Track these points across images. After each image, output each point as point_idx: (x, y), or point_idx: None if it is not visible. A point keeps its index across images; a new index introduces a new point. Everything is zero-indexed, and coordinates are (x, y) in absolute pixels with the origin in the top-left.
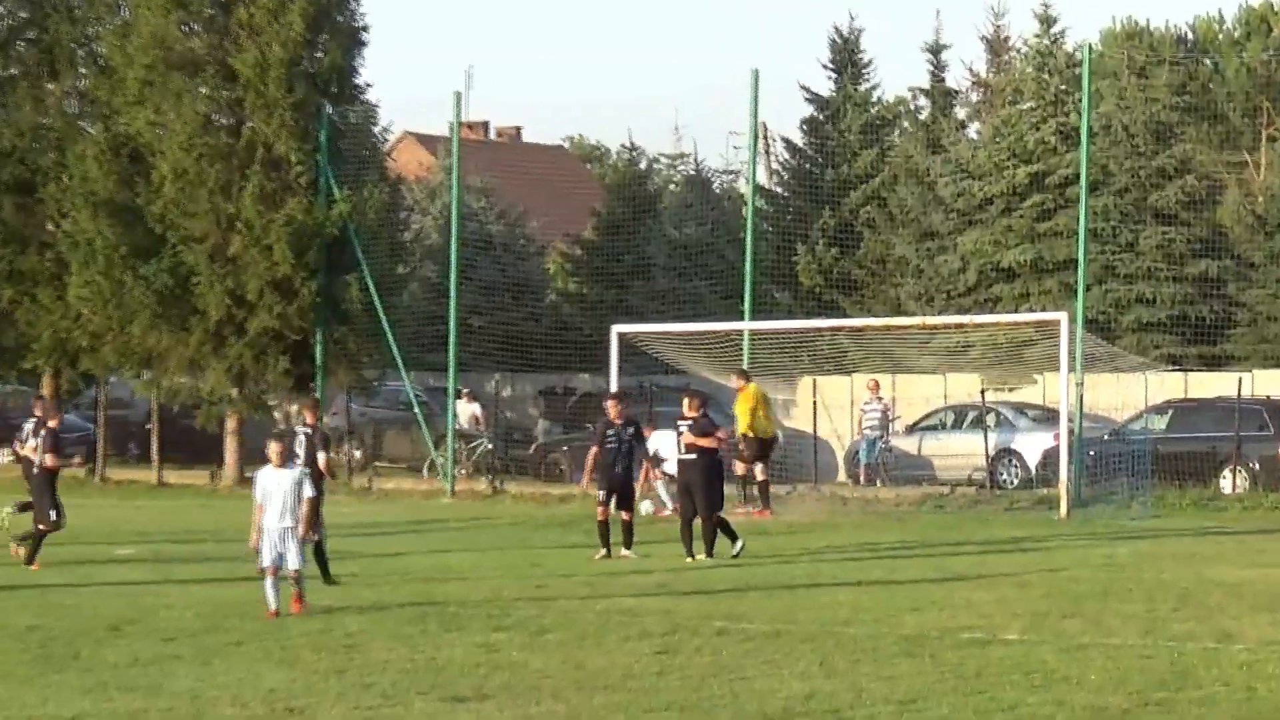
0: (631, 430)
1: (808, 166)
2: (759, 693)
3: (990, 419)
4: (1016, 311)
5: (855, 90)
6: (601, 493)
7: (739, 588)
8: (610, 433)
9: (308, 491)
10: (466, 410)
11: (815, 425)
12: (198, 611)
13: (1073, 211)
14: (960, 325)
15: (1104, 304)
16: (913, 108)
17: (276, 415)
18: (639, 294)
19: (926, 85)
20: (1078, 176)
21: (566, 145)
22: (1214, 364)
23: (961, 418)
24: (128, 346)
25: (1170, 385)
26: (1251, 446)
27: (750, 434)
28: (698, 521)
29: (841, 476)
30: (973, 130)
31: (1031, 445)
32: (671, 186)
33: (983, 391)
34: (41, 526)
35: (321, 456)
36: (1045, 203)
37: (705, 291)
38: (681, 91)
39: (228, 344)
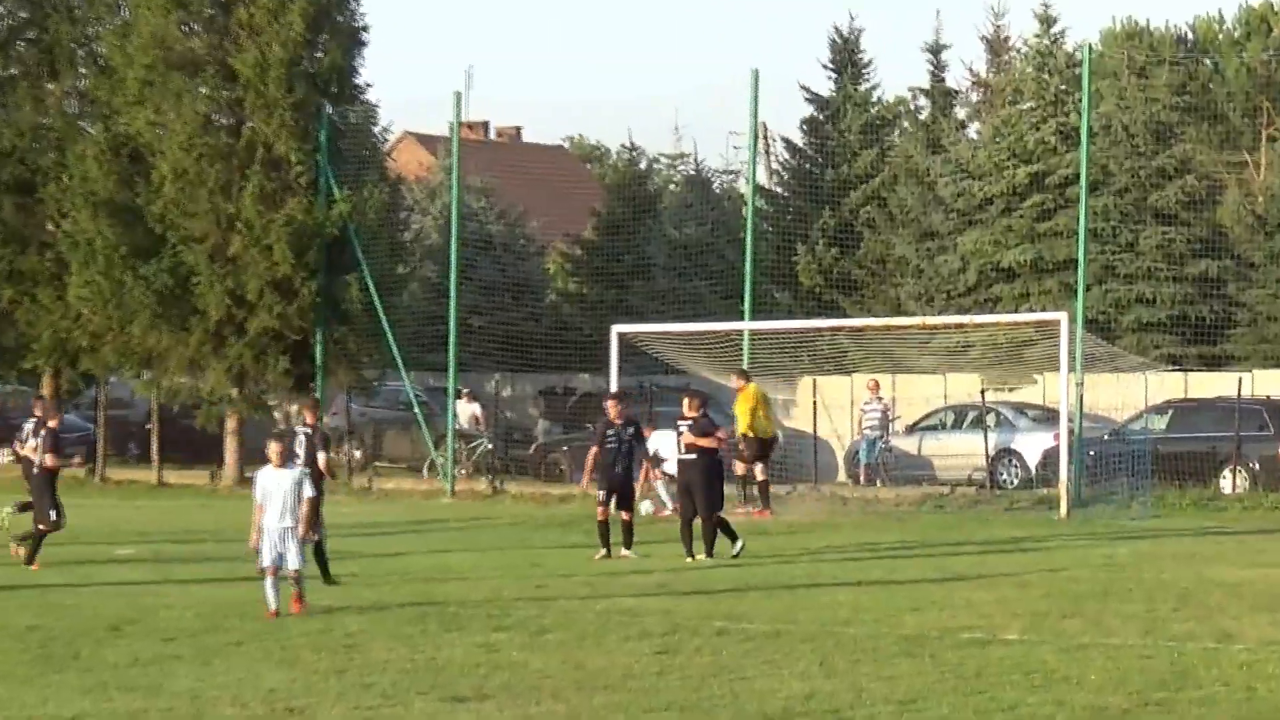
0: (631, 430)
1: (808, 166)
2: (759, 693)
3: (990, 419)
4: (1016, 311)
5: (855, 90)
6: (601, 493)
7: (739, 588)
8: (610, 433)
9: (308, 491)
10: (466, 410)
11: (815, 425)
12: (198, 611)
13: (1073, 211)
14: (960, 325)
15: (1104, 304)
16: (913, 108)
17: (276, 415)
18: (639, 294)
19: (926, 85)
20: (1078, 176)
21: (566, 145)
22: (1214, 364)
23: (961, 418)
24: (128, 346)
25: (1170, 385)
26: (1251, 446)
27: (750, 434)
28: (698, 521)
29: (841, 476)
30: (973, 130)
31: (1031, 445)
32: (671, 186)
33: (983, 391)
34: (41, 526)
35: (321, 456)
36: (1045, 203)
37: (705, 291)
38: (681, 91)
39: (228, 344)
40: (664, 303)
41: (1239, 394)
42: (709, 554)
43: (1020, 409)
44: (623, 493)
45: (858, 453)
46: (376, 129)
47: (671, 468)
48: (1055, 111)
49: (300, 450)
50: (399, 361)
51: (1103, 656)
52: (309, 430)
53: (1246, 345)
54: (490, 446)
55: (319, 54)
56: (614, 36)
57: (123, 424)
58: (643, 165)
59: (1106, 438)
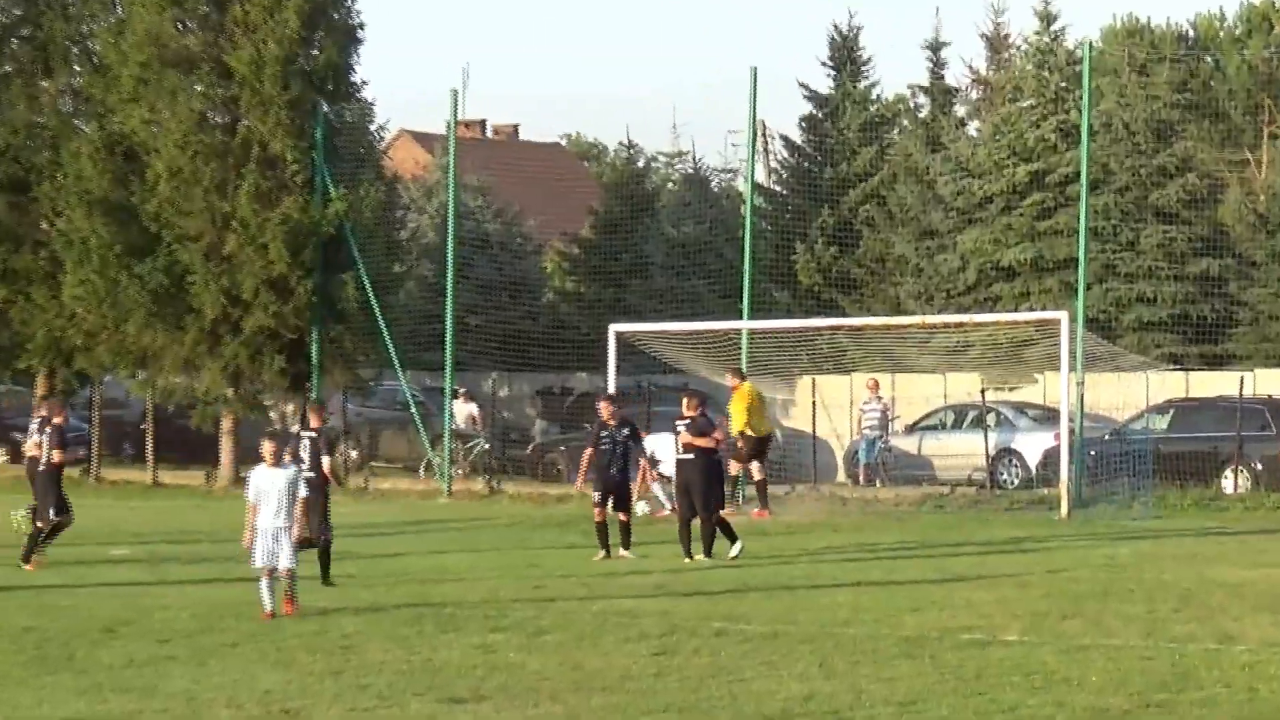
0: (626, 432)
1: (807, 165)
2: (757, 694)
3: (990, 419)
4: (1017, 310)
5: (854, 88)
6: (597, 495)
7: (738, 589)
8: (604, 434)
9: (302, 491)
10: (463, 410)
11: (814, 425)
12: (193, 612)
13: (1073, 210)
14: (960, 324)
15: (1104, 303)
16: (912, 105)
17: (272, 415)
18: (637, 293)
19: (926, 83)
20: (1078, 175)
21: (564, 143)
22: (1215, 363)
23: (961, 417)
24: (122, 346)
25: (1171, 384)
26: (1253, 446)
27: (749, 432)
28: (696, 522)
29: (841, 477)
30: (972, 128)
31: (1032, 445)
32: (670, 185)
33: (983, 391)
34: (40, 524)
35: (326, 461)
36: (1045, 201)
37: (704, 290)
38: (680, 89)
39: (223, 343)
40: (662, 302)
41: (1241, 393)
42: (707, 554)
43: (1021, 408)
44: (619, 494)
45: (857, 453)
46: (373, 127)
47: (667, 469)
48: (1055, 109)
49: (305, 455)
50: (395, 361)
51: (1103, 658)
52: (314, 434)
53: (1248, 344)
54: (487, 446)
55: (315, 51)
56: (612, 33)
57: (117, 424)
58: (641, 163)
59: (1107, 437)
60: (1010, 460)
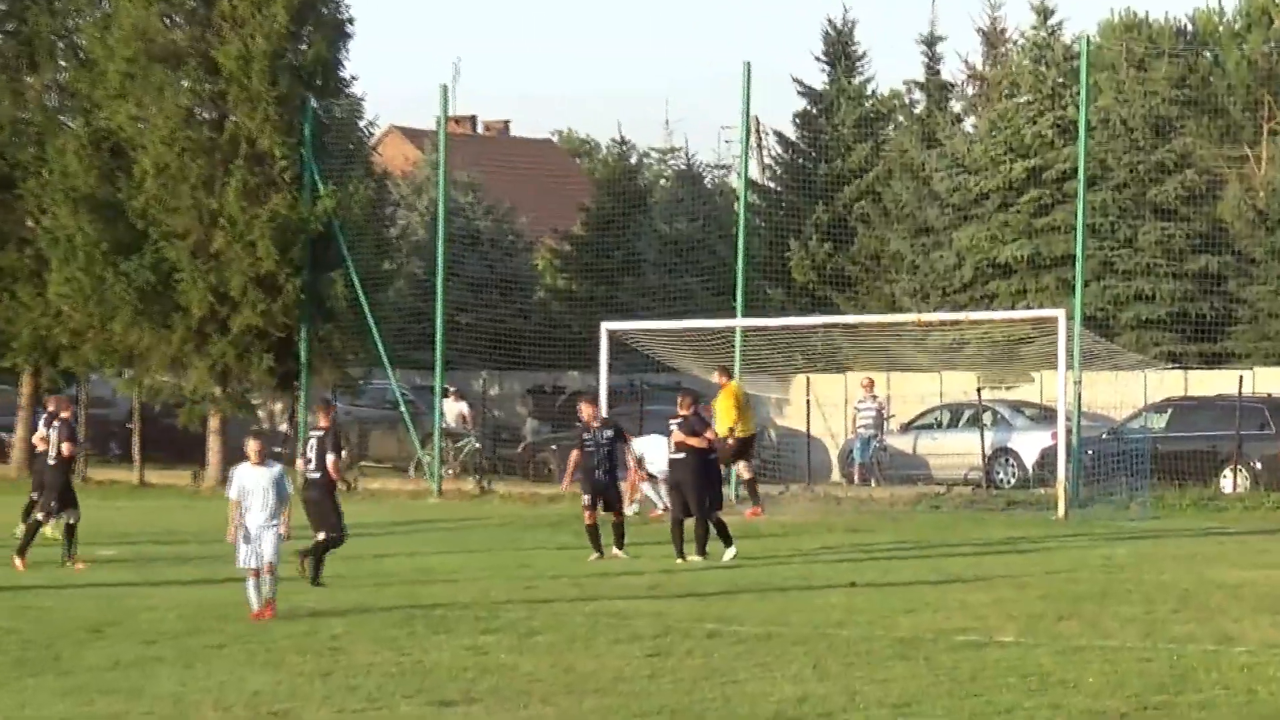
0: (610, 433)
1: (801, 161)
2: (751, 696)
3: (987, 417)
4: (1013, 308)
5: (849, 83)
6: (586, 498)
7: (731, 590)
8: (587, 436)
9: (288, 489)
10: (453, 409)
11: (809, 424)
12: (180, 613)
13: (1070, 206)
14: (956, 322)
15: (1102, 300)
16: (907, 101)
17: (260, 414)
18: (629, 290)
19: (921, 78)
20: (1075, 171)
21: (555, 139)
22: (1214, 361)
23: (957, 416)
24: (109, 344)
25: (1170, 383)
26: (1252, 445)
27: (738, 433)
28: (689, 522)
29: (835, 476)
30: (969, 124)
31: (1029, 444)
32: (662, 181)
33: (979, 389)
34: (39, 516)
35: (330, 458)
36: (1042, 198)
37: (696, 288)
38: (673, 84)
39: (210, 341)
40: (654, 299)
41: (1240, 392)
42: (700, 553)
43: (1017, 407)
44: (607, 496)
45: (852, 452)
46: (362, 123)
47: (654, 468)
48: (1053, 105)
49: (312, 453)
50: (385, 359)
51: (1101, 659)
52: (321, 432)
53: (1247, 342)
54: (478, 446)
55: (303, 46)
56: (604, 28)
57: (104, 423)
58: (633, 159)
59: (1105, 437)
60: (1007, 460)
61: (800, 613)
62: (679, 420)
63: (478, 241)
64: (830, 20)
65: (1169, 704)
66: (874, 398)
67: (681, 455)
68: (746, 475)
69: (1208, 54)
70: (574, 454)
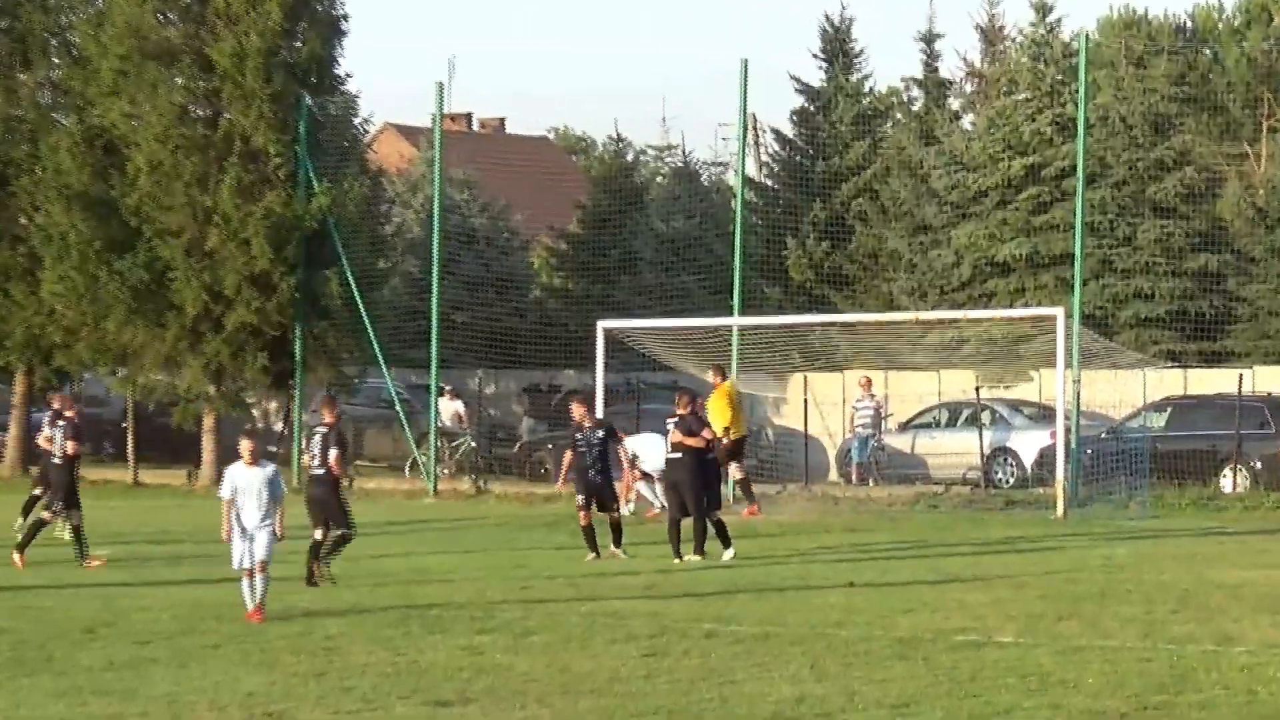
0: (601, 434)
1: (798, 158)
2: (748, 696)
3: (985, 417)
4: (1012, 307)
5: (847, 81)
6: (580, 498)
7: (728, 589)
8: (579, 437)
9: (282, 489)
10: (449, 408)
11: (806, 423)
12: (174, 614)
13: (1069, 204)
14: (954, 321)
15: (1101, 299)
16: (905, 98)
17: (255, 413)
18: (625, 289)
19: (919, 75)
20: (1074, 169)
21: (551, 137)
22: (1214, 360)
23: (956, 415)
24: (102, 343)
25: (1169, 382)
26: (1252, 445)
27: (732, 433)
28: (687, 522)
29: (833, 475)
30: (967, 121)
31: (1027, 443)
32: (659, 179)
33: (977, 388)
34: (45, 516)
35: (333, 453)
36: (1041, 195)
37: (693, 286)
38: (669, 82)
39: (205, 340)
40: (651, 298)
41: (1239, 391)
42: (698, 551)
43: (1016, 406)
44: (601, 496)
45: (850, 451)
46: (357, 120)
47: (648, 467)
48: (1051, 102)
49: (316, 450)
50: (380, 358)
51: (1100, 659)
52: (325, 429)
53: (1247, 341)
54: (474, 445)
55: (298, 44)
56: (600, 25)
57: (97, 422)
58: (629, 157)
59: (1104, 436)
60: (1005, 459)
61: (798, 613)
62: (676, 419)
63: (473, 239)
64: (828, 17)
65: (1169, 704)
66: (872, 397)
67: (679, 455)
68: (739, 475)
69: (1207, 51)
70: (567, 455)
